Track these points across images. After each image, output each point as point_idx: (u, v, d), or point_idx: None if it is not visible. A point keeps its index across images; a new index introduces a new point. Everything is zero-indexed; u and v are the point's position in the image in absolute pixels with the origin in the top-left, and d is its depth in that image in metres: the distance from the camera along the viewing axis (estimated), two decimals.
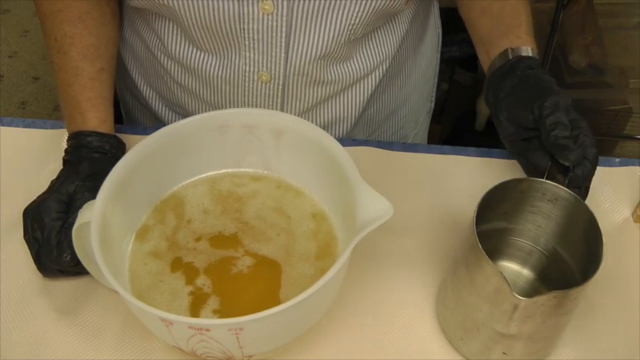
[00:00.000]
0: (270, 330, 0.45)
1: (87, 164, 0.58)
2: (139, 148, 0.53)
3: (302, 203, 0.56)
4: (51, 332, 0.53)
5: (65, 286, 0.56)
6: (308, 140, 0.54)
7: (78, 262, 0.51)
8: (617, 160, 0.66)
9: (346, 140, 0.67)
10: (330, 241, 0.53)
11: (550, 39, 1.22)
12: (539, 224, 0.53)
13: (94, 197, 0.52)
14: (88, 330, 0.54)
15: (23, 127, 0.71)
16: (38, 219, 0.54)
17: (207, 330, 0.42)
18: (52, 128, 0.69)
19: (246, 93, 0.66)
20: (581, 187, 0.55)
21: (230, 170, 0.59)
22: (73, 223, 0.52)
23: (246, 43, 0.61)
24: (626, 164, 0.65)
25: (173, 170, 0.57)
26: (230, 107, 0.68)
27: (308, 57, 0.62)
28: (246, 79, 0.64)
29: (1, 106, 1.84)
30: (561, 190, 0.50)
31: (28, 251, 0.55)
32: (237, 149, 0.57)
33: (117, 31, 0.68)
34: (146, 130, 0.65)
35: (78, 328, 0.54)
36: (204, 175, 0.58)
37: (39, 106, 1.85)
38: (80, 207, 0.52)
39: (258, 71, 0.63)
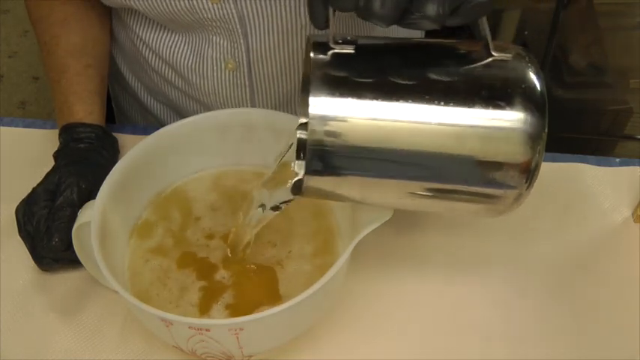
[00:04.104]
0: (270, 330, 0.45)
1: (71, 153, 0.59)
2: (139, 149, 0.53)
3: (303, 202, 0.56)
4: (51, 332, 0.53)
5: (65, 286, 0.56)
6: None
7: (69, 246, 0.51)
8: (617, 160, 0.66)
9: None
10: (330, 241, 0.53)
11: (550, 39, 1.22)
12: None
13: (78, 181, 0.54)
14: (88, 330, 0.54)
15: (23, 127, 0.71)
16: (28, 212, 0.54)
17: (207, 330, 0.42)
18: (52, 128, 0.69)
19: (216, 83, 0.66)
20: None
21: (231, 167, 0.59)
22: (59, 207, 0.53)
23: (209, 29, 0.62)
24: (626, 164, 0.65)
25: (173, 170, 0.57)
26: (202, 98, 0.69)
27: (267, 42, 0.62)
28: (215, 67, 0.65)
29: (1, 106, 1.84)
30: None
31: (27, 251, 0.55)
32: (237, 149, 0.57)
33: (105, 32, 0.69)
34: (146, 131, 0.65)
35: (78, 328, 0.54)
36: (204, 175, 0.58)
37: (39, 106, 1.85)
38: (65, 190, 0.53)
39: (225, 59, 0.64)
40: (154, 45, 0.67)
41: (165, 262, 0.52)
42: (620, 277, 0.56)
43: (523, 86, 0.39)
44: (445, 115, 0.38)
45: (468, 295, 0.55)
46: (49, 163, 0.59)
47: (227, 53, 0.64)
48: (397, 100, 0.38)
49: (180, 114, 0.75)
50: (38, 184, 0.56)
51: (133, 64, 0.74)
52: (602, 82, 1.39)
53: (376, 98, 0.38)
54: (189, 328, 0.43)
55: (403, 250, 0.58)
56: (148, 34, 0.67)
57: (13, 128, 0.71)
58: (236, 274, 0.51)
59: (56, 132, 0.62)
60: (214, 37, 0.63)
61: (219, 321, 0.43)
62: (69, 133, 0.61)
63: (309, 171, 0.39)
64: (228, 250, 0.52)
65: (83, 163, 0.57)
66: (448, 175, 0.40)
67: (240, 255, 0.52)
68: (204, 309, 0.49)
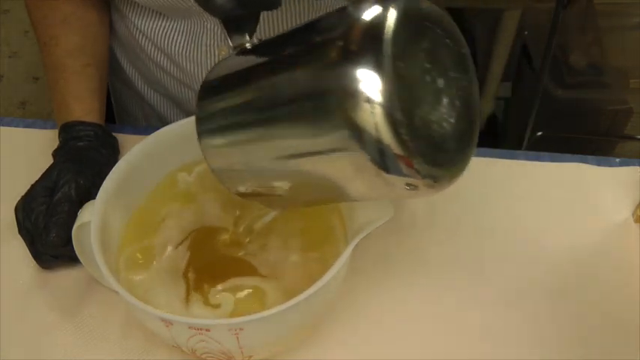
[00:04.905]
0: (271, 330, 0.45)
1: (70, 150, 0.59)
2: (139, 148, 0.53)
3: None
4: (51, 332, 0.53)
5: (65, 285, 0.56)
6: None
7: (67, 242, 0.51)
8: (617, 160, 0.66)
9: None
10: (330, 240, 0.53)
11: (550, 39, 1.22)
12: None
13: (76, 177, 0.54)
14: (88, 330, 0.54)
15: (23, 127, 0.71)
16: (27, 209, 0.54)
17: (208, 330, 0.42)
18: (52, 128, 0.69)
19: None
20: None
21: None
22: (57, 203, 0.53)
23: (203, 16, 0.62)
24: (626, 164, 0.65)
25: (173, 170, 0.57)
26: (197, 86, 0.69)
27: (260, 30, 0.62)
28: (208, 53, 0.65)
29: (1, 106, 1.84)
30: None
31: (27, 250, 0.55)
32: None
33: (104, 31, 0.70)
34: (146, 131, 0.65)
35: (78, 328, 0.54)
36: (205, 174, 0.58)
37: (39, 106, 1.85)
38: (63, 186, 0.54)
39: (218, 46, 0.64)
40: (149, 33, 0.67)
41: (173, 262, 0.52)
42: (620, 277, 0.56)
43: (346, 28, 0.30)
44: (282, 84, 0.34)
45: (468, 295, 0.55)
46: (49, 163, 0.59)
47: (220, 40, 0.64)
48: (250, 80, 0.38)
49: (178, 104, 0.76)
50: (37, 181, 0.56)
51: (131, 54, 0.74)
52: (602, 82, 1.39)
53: (237, 83, 0.39)
54: (189, 328, 0.42)
55: (403, 249, 0.58)
56: (143, 22, 0.67)
57: (13, 128, 0.71)
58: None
59: (56, 132, 0.63)
60: (208, 24, 0.63)
61: (219, 321, 0.42)
62: (68, 132, 0.61)
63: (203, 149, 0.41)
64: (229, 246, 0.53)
65: (82, 160, 0.58)
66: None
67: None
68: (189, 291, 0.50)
